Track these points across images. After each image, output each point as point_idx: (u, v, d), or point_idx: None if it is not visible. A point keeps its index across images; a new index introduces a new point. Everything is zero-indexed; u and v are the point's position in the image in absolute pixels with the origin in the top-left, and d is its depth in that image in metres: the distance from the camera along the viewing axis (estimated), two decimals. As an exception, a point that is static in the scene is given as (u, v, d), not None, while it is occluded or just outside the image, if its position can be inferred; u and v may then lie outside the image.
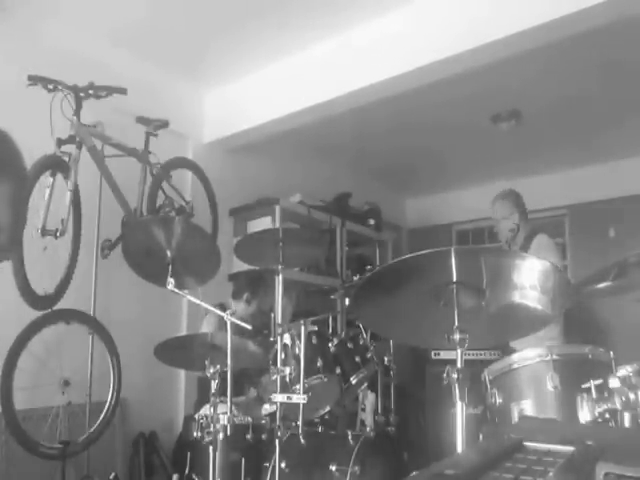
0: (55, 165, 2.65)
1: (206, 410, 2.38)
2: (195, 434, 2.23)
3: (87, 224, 2.92)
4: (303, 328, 2.50)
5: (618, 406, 1.57)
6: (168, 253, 2.18)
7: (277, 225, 4.01)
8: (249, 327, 2.31)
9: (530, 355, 2.11)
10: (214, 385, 2.25)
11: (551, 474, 0.68)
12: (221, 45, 3.59)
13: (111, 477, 2.87)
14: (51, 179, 2.61)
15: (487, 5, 2.95)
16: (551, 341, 2.63)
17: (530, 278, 1.42)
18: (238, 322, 2.24)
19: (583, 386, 1.79)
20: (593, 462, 0.68)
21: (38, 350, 2.71)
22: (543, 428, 1.08)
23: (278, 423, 2.27)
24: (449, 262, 1.38)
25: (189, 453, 2.68)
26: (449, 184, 6.13)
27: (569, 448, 0.78)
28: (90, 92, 2.75)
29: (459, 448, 1.35)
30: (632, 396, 1.54)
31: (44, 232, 2.56)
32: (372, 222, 5.16)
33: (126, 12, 3.22)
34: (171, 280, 2.16)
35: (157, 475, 3.35)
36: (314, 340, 2.65)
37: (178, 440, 3.48)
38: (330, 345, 2.68)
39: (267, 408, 2.77)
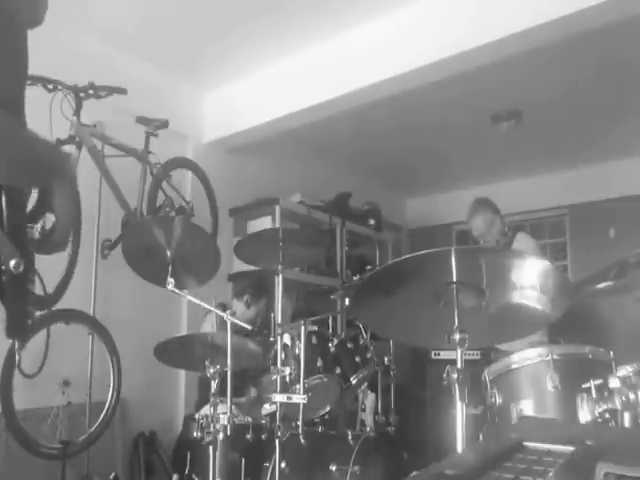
0: (55, 165, 2.65)
1: (206, 410, 2.38)
2: (195, 434, 2.23)
3: (87, 224, 2.92)
4: (303, 328, 2.50)
5: (618, 406, 1.57)
6: (168, 253, 2.18)
7: (277, 225, 4.01)
8: (249, 327, 2.31)
9: (530, 355, 2.11)
10: (214, 385, 2.25)
11: (551, 474, 0.68)
12: (221, 45, 3.59)
13: (111, 477, 2.87)
14: (51, 179, 2.61)
15: (487, 5, 2.94)
16: (534, 340, 2.62)
17: (530, 278, 1.42)
18: (238, 322, 2.24)
19: (583, 386, 1.79)
20: (593, 462, 0.68)
21: (38, 350, 2.70)
22: (543, 428, 1.07)
23: (278, 423, 2.27)
24: (449, 262, 1.38)
25: (189, 453, 2.68)
26: (449, 184, 6.13)
27: (569, 448, 0.78)
28: (90, 92, 2.75)
29: (459, 448, 1.35)
30: (632, 396, 1.54)
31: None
32: (372, 222, 5.16)
33: (126, 12, 3.22)
34: (171, 280, 2.16)
35: (157, 475, 3.35)
36: (314, 340, 2.65)
37: (178, 440, 3.48)
38: (330, 345, 2.68)
39: (267, 408, 2.77)
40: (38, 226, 1.11)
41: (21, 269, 0.98)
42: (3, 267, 0.98)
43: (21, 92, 1.13)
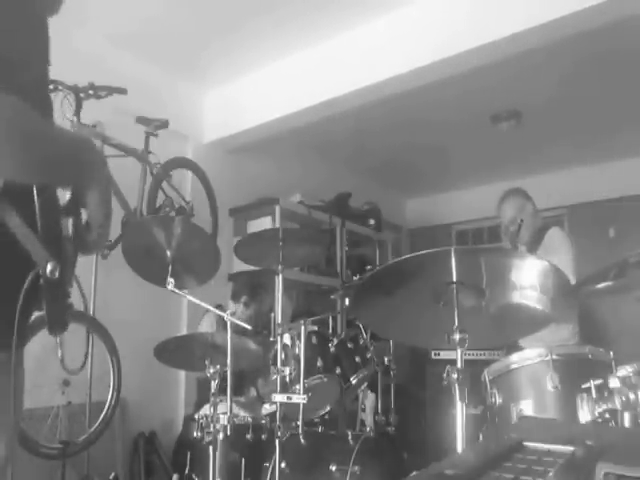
0: (55, 165, 2.64)
1: (206, 410, 2.38)
2: (195, 434, 2.23)
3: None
4: (303, 328, 2.50)
5: (618, 406, 1.57)
6: (168, 253, 2.18)
7: (277, 225, 4.01)
8: (248, 327, 2.31)
9: (530, 355, 2.11)
10: (214, 385, 2.25)
11: (551, 474, 0.68)
12: (221, 45, 3.59)
13: (111, 477, 2.87)
14: (51, 179, 2.61)
15: (487, 5, 2.95)
16: (563, 342, 2.63)
17: (530, 278, 1.42)
18: (238, 322, 2.24)
19: (583, 386, 1.79)
20: (593, 462, 0.68)
21: (38, 350, 2.70)
22: (543, 428, 1.07)
23: (278, 423, 2.27)
24: (449, 262, 1.38)
25: (189, 453, 2.68)
26: (449, 184, 6.13)
27: (569, 448, 0.77)
28: (90, 92, 2.75)
29: (459, 448, 1.35)
30: (632, 396, 1.54)
31: (44, 232, 2.56)
32: (372, 222, 5.16)
33: (126, 12, 3.22)
34: (171, 280, 2.16)
35: (157, 475, 3.35)
36: (314, 340, 2.65)
37: (178, 440, 3.48)
38: (330, 345, 2.68)
39: (267, 408, 2.77)
40: (70, 221, 1.06)
41: (57, 275, 0.95)
42: (40, 272, 0.95)
43: (46, 86, 1.09)
